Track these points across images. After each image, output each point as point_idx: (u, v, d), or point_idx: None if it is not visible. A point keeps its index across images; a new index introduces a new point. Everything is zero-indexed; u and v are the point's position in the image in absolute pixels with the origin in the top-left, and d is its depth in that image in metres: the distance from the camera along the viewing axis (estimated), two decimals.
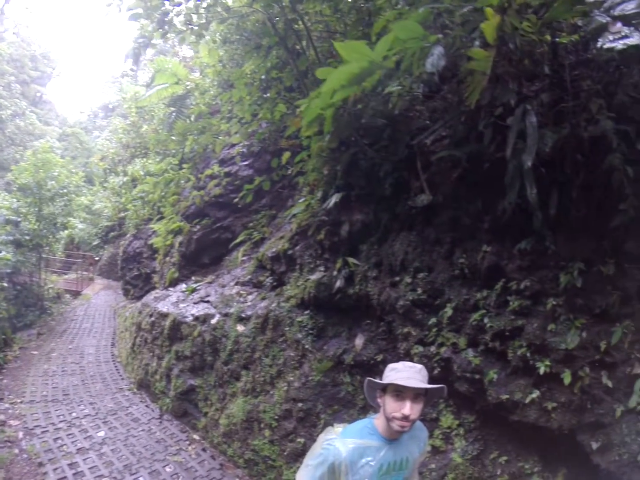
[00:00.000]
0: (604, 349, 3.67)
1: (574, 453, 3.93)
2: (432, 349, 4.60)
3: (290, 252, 6.87)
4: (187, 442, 7.57)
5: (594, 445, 3.71)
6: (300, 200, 7.17)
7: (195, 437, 7.71)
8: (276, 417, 6.10)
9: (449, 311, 4.51)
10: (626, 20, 2.71)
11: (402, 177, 5.16)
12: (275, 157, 8.88)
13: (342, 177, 5.77)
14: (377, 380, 2.43)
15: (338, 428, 2.47)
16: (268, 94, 8.68)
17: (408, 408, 2.24)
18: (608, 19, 2.78)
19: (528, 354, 3.94)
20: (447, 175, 4.62)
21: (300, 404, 5.80)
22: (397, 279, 5.08)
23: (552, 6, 3.30)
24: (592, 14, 2.87)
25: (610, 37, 2.74)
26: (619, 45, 2.69)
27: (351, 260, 5.70)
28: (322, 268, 6.14)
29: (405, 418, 2.25)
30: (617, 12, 2.73)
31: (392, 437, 2.41)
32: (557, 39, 3.82)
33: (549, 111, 3.72)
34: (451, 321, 4.52)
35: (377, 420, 2.46)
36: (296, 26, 7.53)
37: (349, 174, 5.67)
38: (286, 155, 8.17)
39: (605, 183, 3.54)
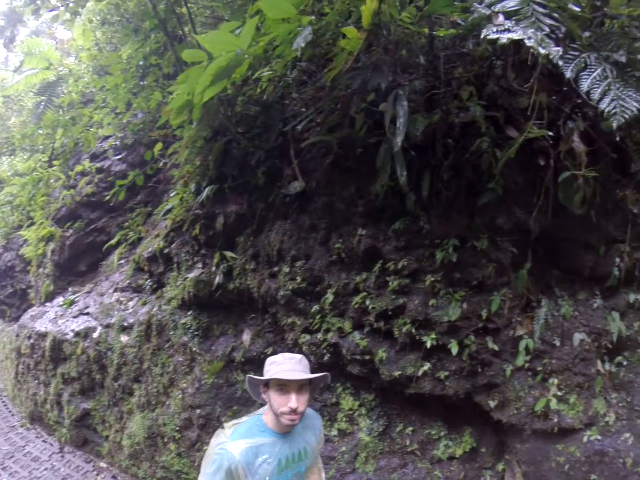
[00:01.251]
0: (485, 317, 3.79)
1: (476, 412, 4.05)
2: (319, 335, 4.42)
3: (166, 250, 6.22)
4: (95, 472, 6.81)
5: (492, 404, 3.87)
6: (172, 195, 6.57)
7: (102, 464, 6.96)
8: (177, 428, 5.61)
9: (330, 297, 4.34)
10: (507, 15, 2.80)
11: (275, 165, 4.92)
12: (149, 149, 8.03)
13: (215, 167, 5.37)
14: (258, 377, 2.37)
15: (228, 430, 2.37)
16: (145, 82, 7.92)
17: (294, 401, 2.19)
18: (490, 11, 2.85)
19: (413, 330, 3.93)
20: (320, 161, 4.51)
21: (198, 411, 5.38)
22: (276, 269, 4.79)
23: (432, 0, 3.38)
24: (474, 7, 2.92)
25: (494, 29, 2.77)
26: (503, 38, 2.74)
27: (228, 254, 5.27)
28: (200, 265, 5.61)
29: (293, 411, 2.20)
30: (497, 8, 2.81)
31: (284, 431, 2.35)
32: (434, 32, 3.89)
33: (421, 98, 3.81)
34: (334, 306, 4.36)
35: (265, 416, 2.39)
36: (179, 9, 6.84)
37: (222, 164, 5.30)
38: (158, 146, 7.41)
39: (475, 165, 3.69)
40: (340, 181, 4.41)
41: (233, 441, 2.25)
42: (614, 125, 2.97)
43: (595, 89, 3.00)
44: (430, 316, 3.86)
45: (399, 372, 4.00)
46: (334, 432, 4.48)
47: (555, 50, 2.75)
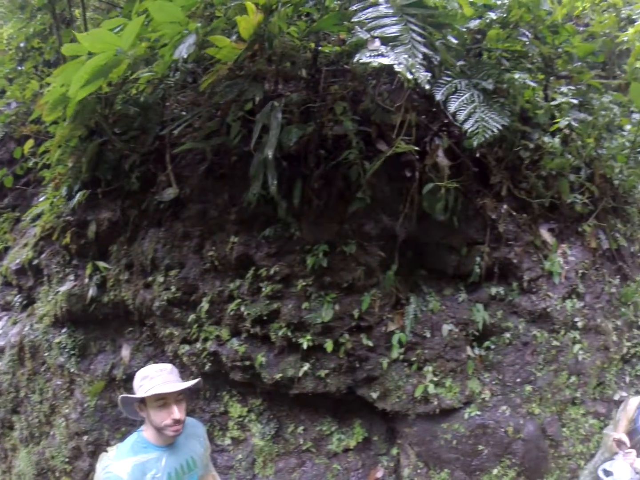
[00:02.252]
0: (357, 316, 3.92)
1: (362, 404, 4.18)
2: (198, 345, 4.30)
3: (35, 261, 5.68)
4: None
5: (374, 395, 4.02)
6: (42, 199, 5.97)
7: None
8: (67, 459, 5.21)
9: (205, 305, 4.23)
10: (385, 40, 2.94)
11: (149, 170, 4.68)
12: (20, 145, 7.25)
13: (88, 170, 4.93)
14: (134, 396, 2.33)
15: (111, 452, 2.37)
16: (23, 67, 7.19)
17: (177, 412, 2.23)
18: (368, 36, 2.98)
19: (289, 333, 3.98)
20: (195, 168, 4.43)
21: (86, 437, 5.01)
22: (150, 279, 4.55)
23: (322, 18, 3.51)
24: (354, 30, 3.06)
25: (368, 54, 2.92)
26: (374, 62, 2.90)
27: (101, 264, 4.91)
28: (72, 277, 5.18)
29: (177, 422, 2.23)
30: (377, 33, 2.95)
31: (167, 443, 2.34)
32: (320, 47, 4.01)
33: (298, 110, 3.91)
34: (210, 315, 4.27)
35: (145, 432, 2.37)
36: None
37: (96, 166, 4.90)
38: (29, 143, 6.68)
39: (345, 175, 3.87)
40: (214, 188, 4.32)
41: (118, 462, 2.23)
42: (475, 143, 3.34)
43: (462, 111, 3.31)
44: (305, 319, 3.91)
45: (280, 375, 4.01)
46: (228, 441, 4.40)
47: (424, 76, 2.90)
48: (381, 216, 4.03)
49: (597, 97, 4.59)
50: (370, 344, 3.93)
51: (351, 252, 3.90)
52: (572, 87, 4.41)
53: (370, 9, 3.05)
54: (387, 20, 3.02)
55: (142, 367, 4.58)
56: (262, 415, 4.40)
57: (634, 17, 4.89)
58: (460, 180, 3.89)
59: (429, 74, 2.99)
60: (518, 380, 4.16)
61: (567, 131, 4.39)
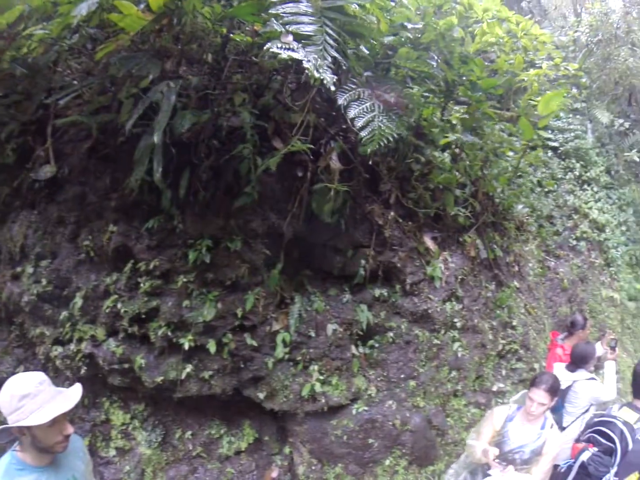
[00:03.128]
0: (241, 315, 3.83)
1: (250, 405, 4.13)
2: (72, 346, 3.98)
3: None
4: None
5: (261, 396, 3.98)
6: None
7: None
8: None
9: (79, 301, 3.93)
10: (298, 37, 2.92)
11: (28, 143, 4.24)
12: None
13: None
14: (24, 425, 1.94)
15: None
16: None
17: (69, 427, 2.07)
18: (283, 29, 2.95)
19: (169, 333, 3.81)
20: (77, 145, 4.09)
21: None
22: (19, 269, 4.16)
23: (240, 4, 3.39)
24: (270, 22, 3.00)
25: (279, 45, 2.88)
26: (284, 54, 2.87)
27: None
28: None
29: (67, 437, 2.06)
30: (292, 28, 2.93)
31: (46, 463, 2.10)
32: (231, 35, 3.85)
33: (195, 94, 3.71)
34: (84, 312, 3.98)
35: (20, 453, 2.07)
36: None
37: None
38: None
39: (236, 169, 3.75)
40: (96, 170, 4.02)
41: None
42: (369, 150, 3.43)
43: (361, 118, 3.34)
44: (185, 317, 3.76)
45: (162, 378, 3.82)
46: (113, 452, 4.09)
47: (331, 77, 2.90)
48: (269, 214, 3.97)
49: (489, 124, 4.96)
50: (255, 343, 3.88)
51: (236, 249, 3.81)
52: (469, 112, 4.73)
53: (290, 4, 3.00)
54: (304, 19, 3.00)
55: (12, 372, 4.26)
56: (147, 422, 4.18)
57: (536, 61, 5.34)
58: (351, 185, 3.95)
59: (335, 77, 3.00)
60: (402, 376, 4.34)
61: (457, 150, 4.68)
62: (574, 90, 8.83)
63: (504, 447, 3.15)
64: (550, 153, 8.93)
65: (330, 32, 3.07)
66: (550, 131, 9.06)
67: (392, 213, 4.33)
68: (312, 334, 4.02)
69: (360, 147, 3.81)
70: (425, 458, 4.36)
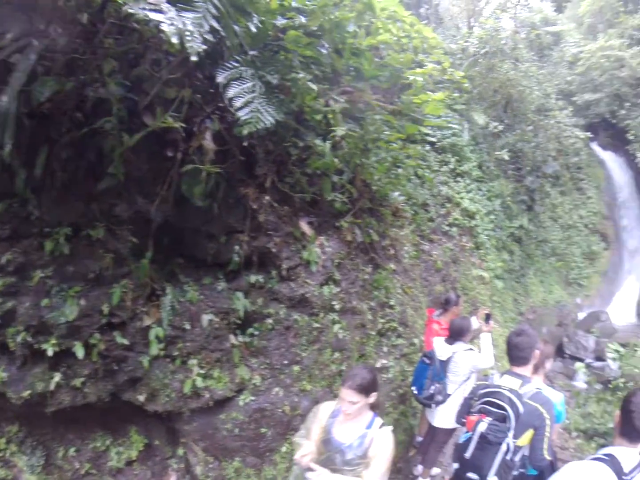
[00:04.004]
0: (108, 312, 3.66)
1: (133, 409, 3.97)
2: None
3: None
4: None
5: (142, 398, 3.83)
6: None
7: None
8: None
9: None
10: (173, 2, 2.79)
11: None
12: None
13: None
14: None
15: None
16: None
17: None
18: None
19: (30, 338, 3.50)
20: None
21: None
22: None
23: None
24: None
25: (142, 5, 2.72)
26: (142, 13, 2.71)
27: None
28: None
29: None
30: None
31: None
32: None
33: (62, 58, 3.33)
34: None
35: None
36: None
37: None
38: None
39: (99, 147, 3.48)
40: None
41: None
42: (245, 131, 3.34)
43: (240, 98, 3.27)
44: (46, 319, 3.48)
45: (29, 391, 3.51)
46: None
47: (197, 46, 2.79)
48: (135, 197, 3.77)
49: (371, 115, 5.15)
50: (126, 342, 3.72)
51: (98, 237, 3.57)
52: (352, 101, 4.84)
53: None
54: None
55: None
56: (25, 445, 3.85)
57: (426, 64, 5.65)
58: (225, 167, 3.86)
59: (202, 46, 2.85)
60: (285, 362, 4.42)
61: (338, 138, 4.82)
62: (456, 94, 9.58)
63: (328, 445, 2.89)
64: (428, 147, 9.69)
65: (217, 3, 2.98)
66: (429, 127, 9.78)
67: (267, 197, 4.32)
68: (187, 326, 3.96)
69: (236, 128, 3.68)
70: None
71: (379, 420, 2.97)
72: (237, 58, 3.51)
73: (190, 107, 3.71)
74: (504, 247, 11.16)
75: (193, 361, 3.98)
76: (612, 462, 2.25)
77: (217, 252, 4.21)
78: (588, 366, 10.45)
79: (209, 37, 2.99)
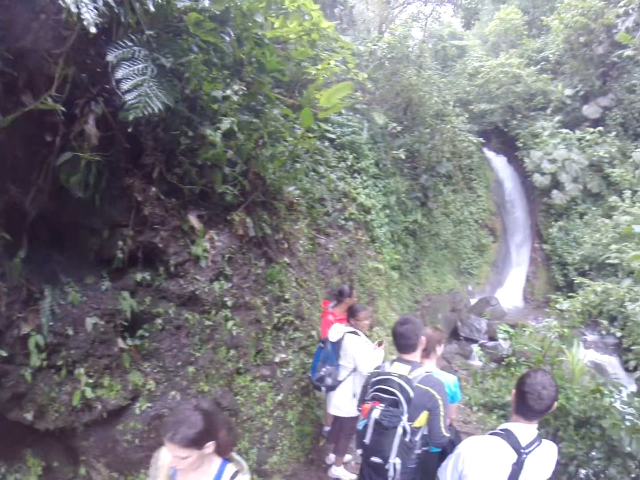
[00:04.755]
0: None
1: (24, 430, 3.79)
2: None
3: None
4: None
5: (29, 416, 3.66)
6: None
7: None
8: None
9: None
10: None
11: None
12: None
13: None
14: None
15: None
16: None
17: None
18: None
19: None
20: None
21: None
22: None
23: None
24: None
25: None
26: None
27: None
28: None
29: None
30: None
31: None
32: None
33: None
34: None
35: None
36: None
37: None
38: None
39: None
40: None
41: None
42: (131, 117, 3.18)
43: (129, 80, 3.11)
44: None
45: None
46: None
47: (93, 18, 2.70)
48: (8, 186, 3.49)
49: (269, 107, 5.21)
50: (4, 353, 3.49)
51: None
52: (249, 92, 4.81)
53: None
54: None
55: None
56: None
57: (332, 63, 5.79)
58: (109, 155, 3.70)
59: (98, 19, 2.75)
60: (179, 363, 4.37)
61: (234, 128, 4.78)
62: (358, 93, 9.99)
63: None
64: (327, 143, 10.10)
65: None
66: (330, 124, 10.29)
67: (154, 189, 4.20)
68: (71, 331, 3.81)
69: (122, 112, 3.52)
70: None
71: (230, 468, 2.46)
72: (132, 37, 3.38)
73: (74, 87, 3.52)
74: (399, 240, 11.90)
75: (80, 370, 3.83)
76: (509, 436, 2.53)
77: (100, 248, 4.04)
78: (482, 346, 11.52)
79: (105, 10, 2.90)
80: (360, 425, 3.20)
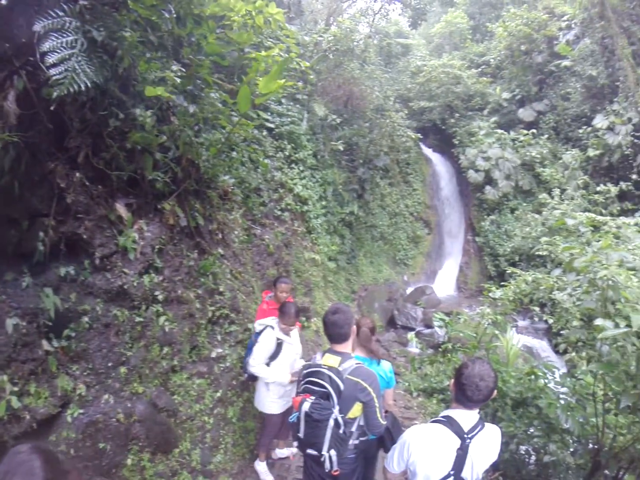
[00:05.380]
0: None
1: None
2: None
3: None
4: None
5: None
6: None
7: None
8: None
9: None
10: None
11: None
12: None
13: None
14: None
15: None
16: None
17: None
18: None
19: None
20: None
21: None
22: None
23: None
24: None
25: None
26: None
27: None
28: None
29: None
30: None
31: None
32: None
33: None
34: None
35: None
36: None
37: None
38: None
39: None
40: None
41: None
42: (55, 93, 2.97)
43: (56, 54, 2.91)
44: None
45: None
46: None
47: None
48: None
49: (206, 91, 5.05)
50: None
51: None
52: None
53: None
54: None
55: None
56: None
57: (276, 53, 5.59)
58: (29, 136, 3.43)
59: None
60: (110, 364, 4.20)
61: (169, 112, 4.60)
62: (300, 83, 10.01)
63: None
64: (265, 132, 10.05)
65: None
66: (269, 113, 10.33)
67: (78, 174, 3.96)
68: None
69: (45, 89, 3.28)
70: (166, 443, 4.40)
71: None
72: (64, 7, 3.17)
73: None
74: (335, 231, 12.08)
75: (3, 377, 3.55)
76: (451, 423, 2.61)
77: (19, 240, 3.76)
78: (419, 334, 11.92)
79: None
80: (293, 418, 3.20)
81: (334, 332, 3.20)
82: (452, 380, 2.71)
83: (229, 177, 6.48)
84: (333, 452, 3.04)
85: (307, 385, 3.14)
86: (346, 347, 3.26)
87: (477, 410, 2.71)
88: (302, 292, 7.79)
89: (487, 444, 2.68)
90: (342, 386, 3.03)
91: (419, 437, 2.69)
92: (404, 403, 7.36)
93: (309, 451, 3.16)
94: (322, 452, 3.05)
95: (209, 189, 5.93)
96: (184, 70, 4.80)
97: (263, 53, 5.40)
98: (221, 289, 5.55)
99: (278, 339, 4.71)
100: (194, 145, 5.25)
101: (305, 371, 3.23)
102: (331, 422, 3.01)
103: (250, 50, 5.75)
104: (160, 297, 4.60)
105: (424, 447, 2.64)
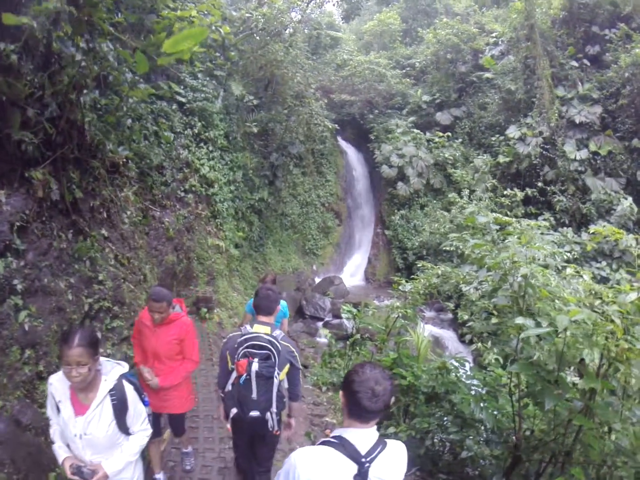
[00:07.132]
0: None
1: None
2: None
3: None
4: None
5: None
6: None
7: None
8: None
9: None
10: None
11: None
12: None
13: None
14: None
15: None
16: None
17: None
18: None
19: None
20: None
21: None
22: None
23: None
24: None
25: None
26: None
27: None
28: None
29: None
30: None
31: None
32: None
33: None
34: None
35: None
36: None
37: None
38: None
39: None
40: None
41: None
42: None
43: None
44: None
45: None
46: None
47: None
48: None
49: (100, 41, 4.13)
50: None
51: None
52: None
53: None
54: None
55: None
56: None
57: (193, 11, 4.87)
58: None
59: None
60: None
61: (53, 60, 3.69)
62: (221, 58, 9.42)
63: None
64: (175, 106, 9.15)
65: None
66: (182, 87, 9.51)
67: None
68: None
69: None
70: (38, 468, 3.50)
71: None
72: None
73: None
74: (243, 217, 11.35)
75: None
76: (345, 446, 2.08)
77: None
78: (327, 324, 11.74)
79: None
80: (240, 381, 3.24)
81: (265, 305, 3.46)
82: (341, 392, 2.19)
83: (122, 148, 5.51)
84: (275, 410, 3.29)
85: (248, 350, 3.24)
86: (271, 319, 3.49)
87: (375, 427, 2.17)
88: (204, 281, 7.01)
89: (391, 466, 2.14)
90: (280, 348, 3.24)
91: (307, 463, 2.08)
92: (313, 399, 6.85)
93: (253, 413, 3.26)
94: (271, 409, 3.27)
95: (94, 159, 4.94)
96: (73, 11, 3.85)
97: (179, 13, 4.69)
98: (101, 278, 4.65)
99: None
100: (79, 105, 4.33)
101: (240, 339, 3.30)
102: (275, 380, 3.24)
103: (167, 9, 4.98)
104: (19, 287, 3.70)
105: (313, 475, 2.06)
